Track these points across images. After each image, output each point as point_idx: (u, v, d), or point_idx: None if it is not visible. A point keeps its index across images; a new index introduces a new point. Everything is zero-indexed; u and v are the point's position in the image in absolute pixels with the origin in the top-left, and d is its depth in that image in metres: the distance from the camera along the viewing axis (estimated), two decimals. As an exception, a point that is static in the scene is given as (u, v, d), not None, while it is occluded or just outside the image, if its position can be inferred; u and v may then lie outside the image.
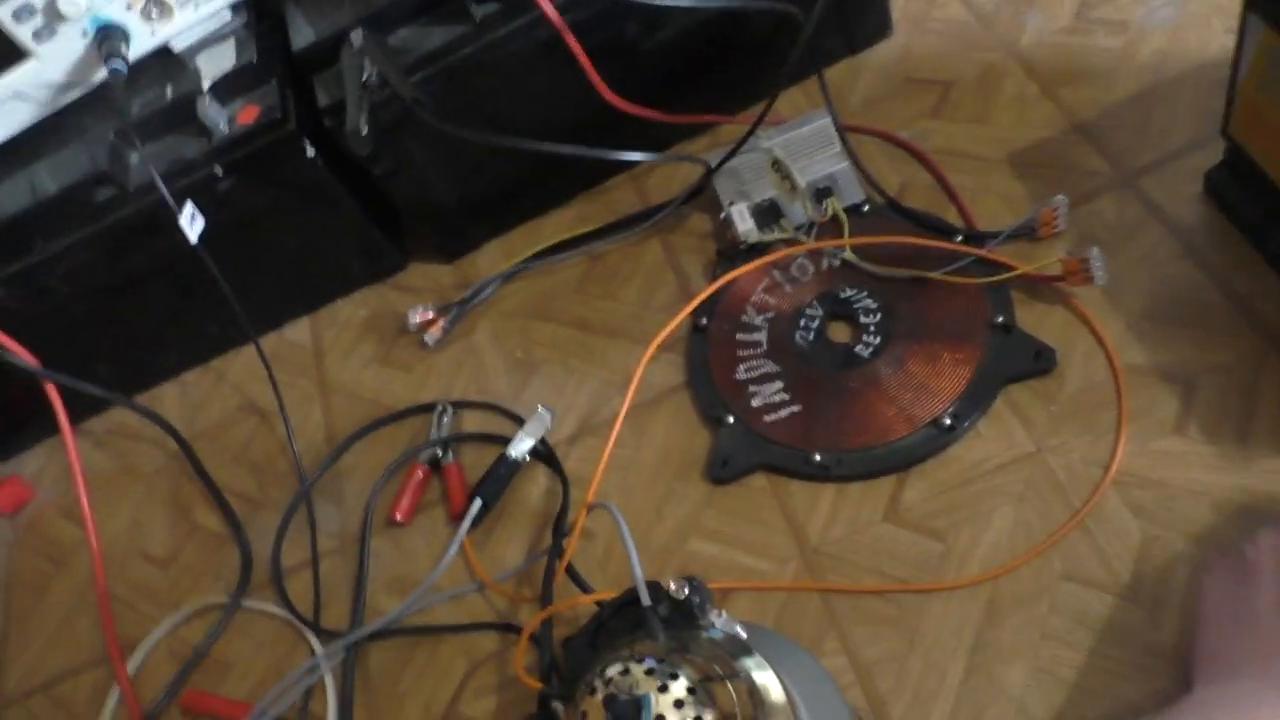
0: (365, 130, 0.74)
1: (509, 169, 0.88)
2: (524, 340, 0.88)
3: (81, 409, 0.95)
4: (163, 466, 0.93)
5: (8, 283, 0.85)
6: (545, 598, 0.66)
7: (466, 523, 0.74)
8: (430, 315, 0.90)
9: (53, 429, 0.91)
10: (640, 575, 0.53)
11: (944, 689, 0.62)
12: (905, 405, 0.71)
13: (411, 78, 0.76)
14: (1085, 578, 0.63)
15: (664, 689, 0.45)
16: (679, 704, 0.44)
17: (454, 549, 0.73)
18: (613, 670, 0.46)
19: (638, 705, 0.43)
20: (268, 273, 0.92)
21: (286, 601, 0.78)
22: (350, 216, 0.89)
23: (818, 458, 0.71)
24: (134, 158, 0.84)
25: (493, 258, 0.94)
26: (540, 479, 0.80)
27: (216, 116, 0.81)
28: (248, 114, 0.82)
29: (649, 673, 0.45)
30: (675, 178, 0.91)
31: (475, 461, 0.82)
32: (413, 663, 0.74)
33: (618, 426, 0.72)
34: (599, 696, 0.45)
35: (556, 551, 0.69)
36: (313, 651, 0.76)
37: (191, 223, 0.78)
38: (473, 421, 0.85)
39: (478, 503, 0.74)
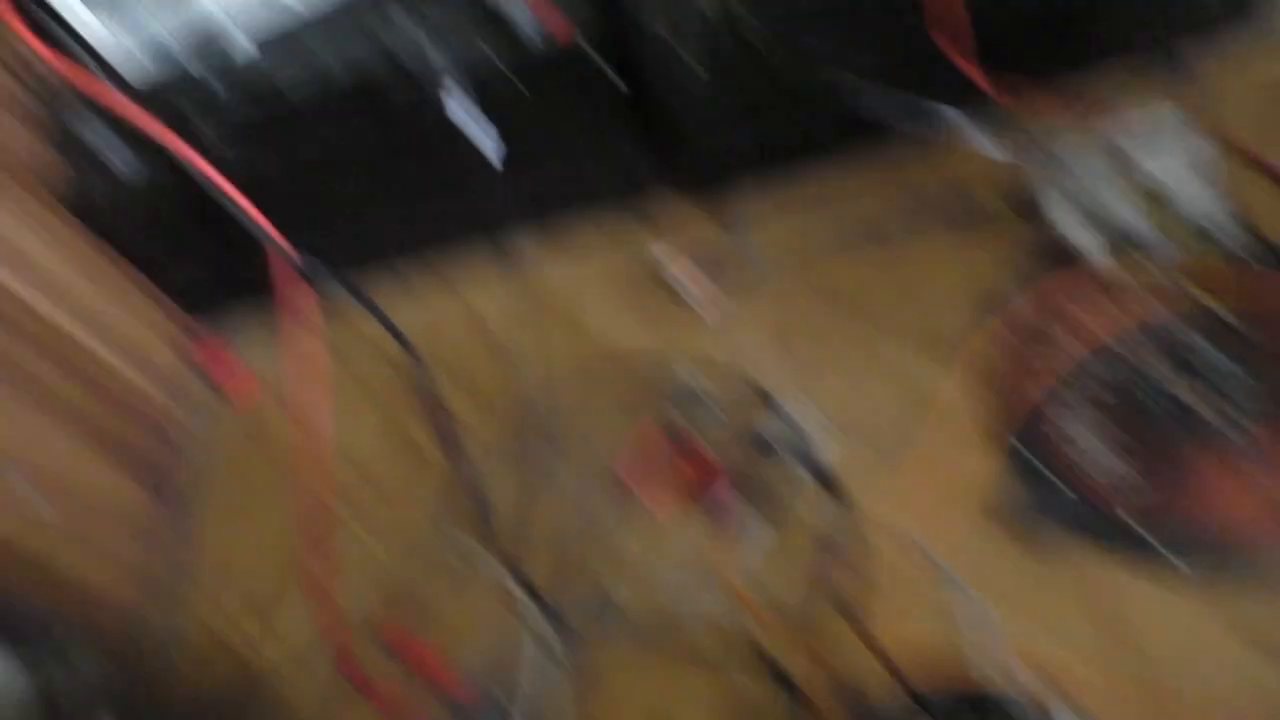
0: (695, 49, 0.64)
1: (805, 114, 0.77)
2: (793, 318, 0.78)
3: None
4: (381, 371, 0.86)
5: (277, 151, 0.79)
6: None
7: (742, 544, 0.66)
8: (688, 266, 0.81)
9: (282, 314, 0.85)
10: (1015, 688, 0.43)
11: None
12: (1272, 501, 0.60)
13: None
14: None
15: None
16: None
17: (713, 572, 0.65)
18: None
19: None
20: (515, 184, 0.83)
21: (513, 567, 0.72)
22: (624, 142, 0.80)
23: (1157, 542, 0.61)
24: (427, 47, 0.76)
25: (763, 214, 0.83)
26: (805, 488, 0.71)
27: (523, 20, 0.72)
28: (555, 21, 0.72)
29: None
30: (997, 162, 0.78)
31: (725, 439, 0.74)
32: (646, 670, 0.67)
33: (921, 460, 0.62)
34: None
35: (842, 604, 0.60)
36: (534, 629, 0.69)
37: (485, 136, 0.70)
38: (724, 393, 0.76)
39: (748, 516, 0.66)
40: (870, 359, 0.74)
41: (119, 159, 0.79)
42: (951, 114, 0.74)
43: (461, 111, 0.70)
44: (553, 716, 0.66)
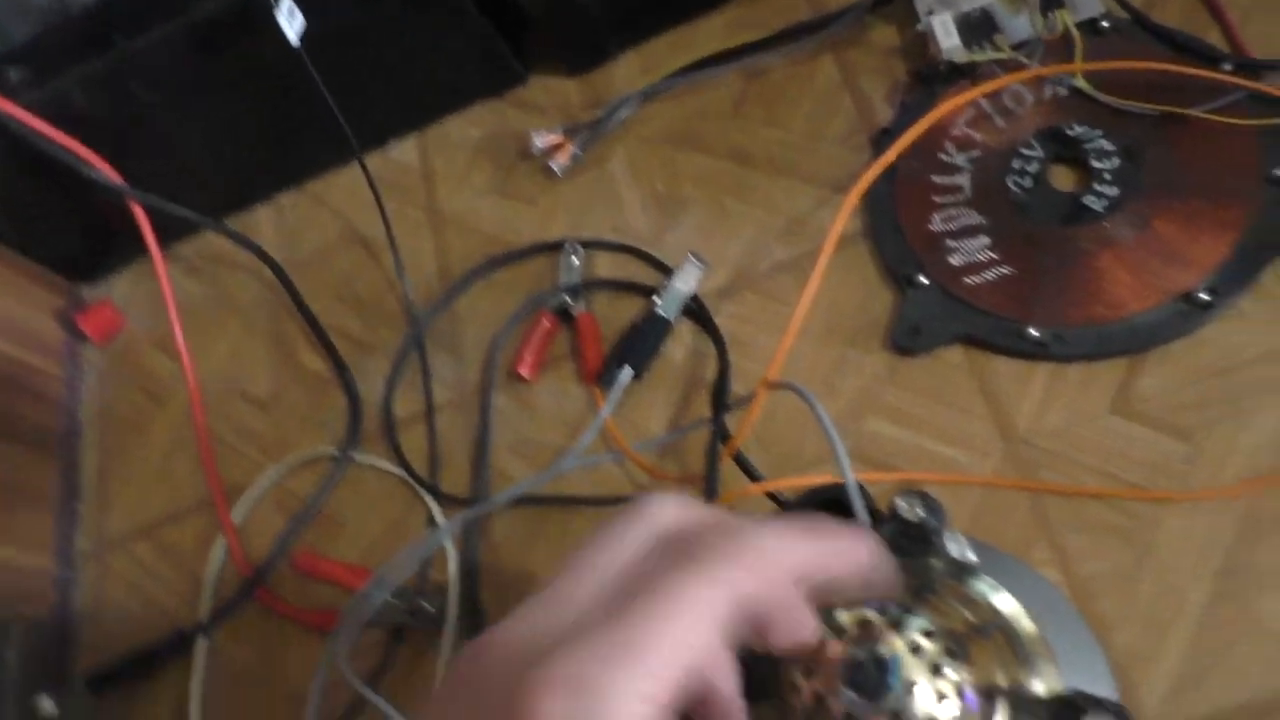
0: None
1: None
2: (667, 172, 0.75)
3: (172, 230, 0.86)
4: (260, 298, 0.84)
5: (86, 85, 0.75)
6: (710, 487, 0.56)
7: (614, 396, 0.64)
8: (557, 138, 0.78)
9: (142, 250, 0.83)
10: (853, 483, 0.42)
11: (1182, 616, 0.52)
12: (1148, 274, 0.58)
13: None
14: (1374, 499, 0.51)
15: (915, 649, 0.34)
16: (934, 669, 0.34)
17: (596, 425, 0.64)
18: (845, 617, 0.36)
19: (885, 669, 0.33)
20: (370, 83, 0.80)
21: (402, 460, 0.71)
22: (467, 16, 0.76)
23: (1032, 332, 0.59)
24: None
25: (629, 72, 0.80)
26: (686, 336, 0.69)
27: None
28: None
29: (894, 626, 0.35)
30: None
31: (611, 312, 0.72)
32: (544, 535, 0.66)
33: (809, 294, 0.60)
34: (828, 651, 0.35)
35: (720, 433, 0.59)
36: (431, 514, 0.68)
37: (290, 20, 0.66)
38: (607, 265, 0.74)
39: (627, 372, 0.64)
40: (744, 195, 0.71)
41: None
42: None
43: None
44: (458, 589, 0.65)
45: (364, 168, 0.76)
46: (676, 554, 0.27)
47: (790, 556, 0.28)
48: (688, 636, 0.25)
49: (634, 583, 0.26)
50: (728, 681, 0.28)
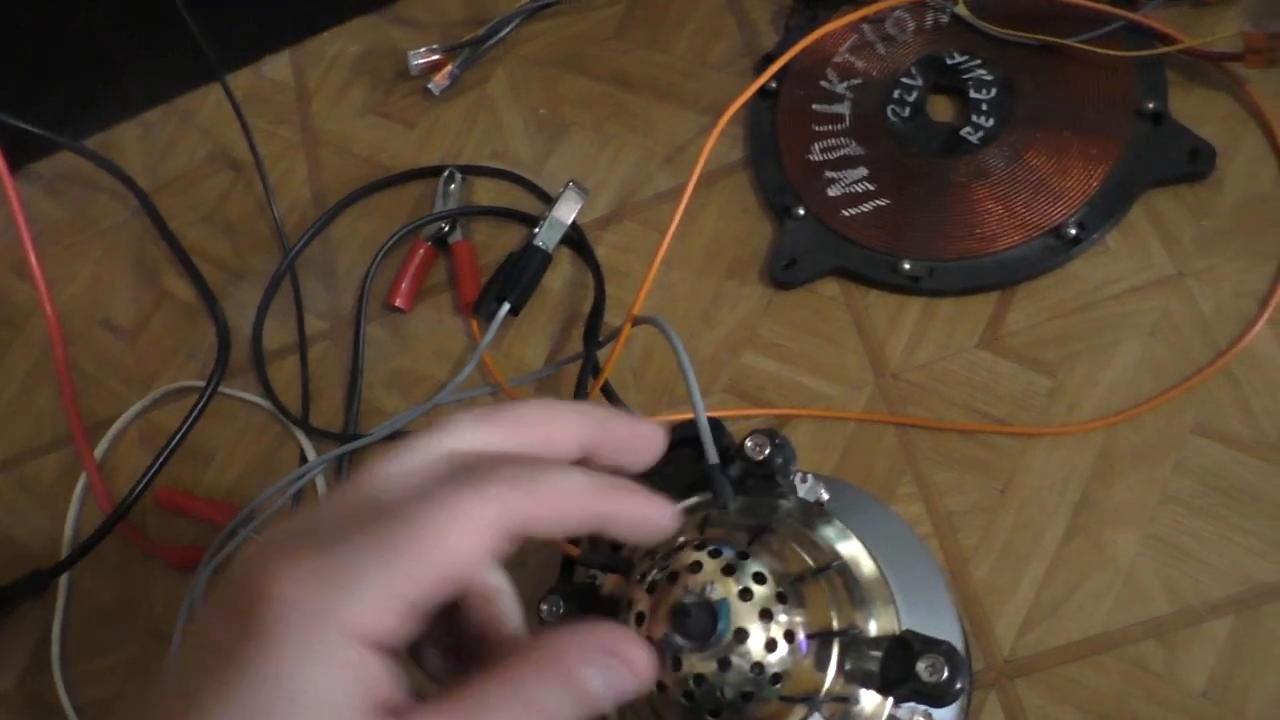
0: None
1: None
2: (549, 95, 0.72)
3: (29, 149, 0.80)
4: (124, 221, 0.79)
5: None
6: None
7: (491, 332, 0.62)
8: (436, 56, 0.74)
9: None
10: (704, 422, 0.41)
11: (1039, 550, 0.53)
12: (1019, 207, 0.58)
13: None
14: (1223, 433, 0.52)
15: (746, 594, 0.34)
16: (765, 614, 0.34)
17: (473, 362, 0.62)
18: (677, 561, 0.35)
19: (713, 614, 0.33)
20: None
21: (270, 392, 0.68)
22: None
23: (905, 265, 0.59)
24: None
25: (510, -11, 0.76)
26: (565, 266, 0.67)
27: None
28: None
29: (726, 570, 0.34)
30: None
31: (489, 240, 0.70)
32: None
33: (676, 219, 0.58)
34: (659, 594, 0.34)
35: (590, 366, 0.57)
36: (302, 449, 0.66)
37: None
38: (486, 192, 0.71)
39: (505, 308, 0.62)
40: (625, 120, 0.69)
41: None
42: None
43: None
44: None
45: (225, 86, 0.71)
46: (459, 472, 0.27)
47: (571, 501, 0.27)
48: (451, 544, 0.25)
49: (411, 492, 0.26)
50: (488, 579, 0.29)
